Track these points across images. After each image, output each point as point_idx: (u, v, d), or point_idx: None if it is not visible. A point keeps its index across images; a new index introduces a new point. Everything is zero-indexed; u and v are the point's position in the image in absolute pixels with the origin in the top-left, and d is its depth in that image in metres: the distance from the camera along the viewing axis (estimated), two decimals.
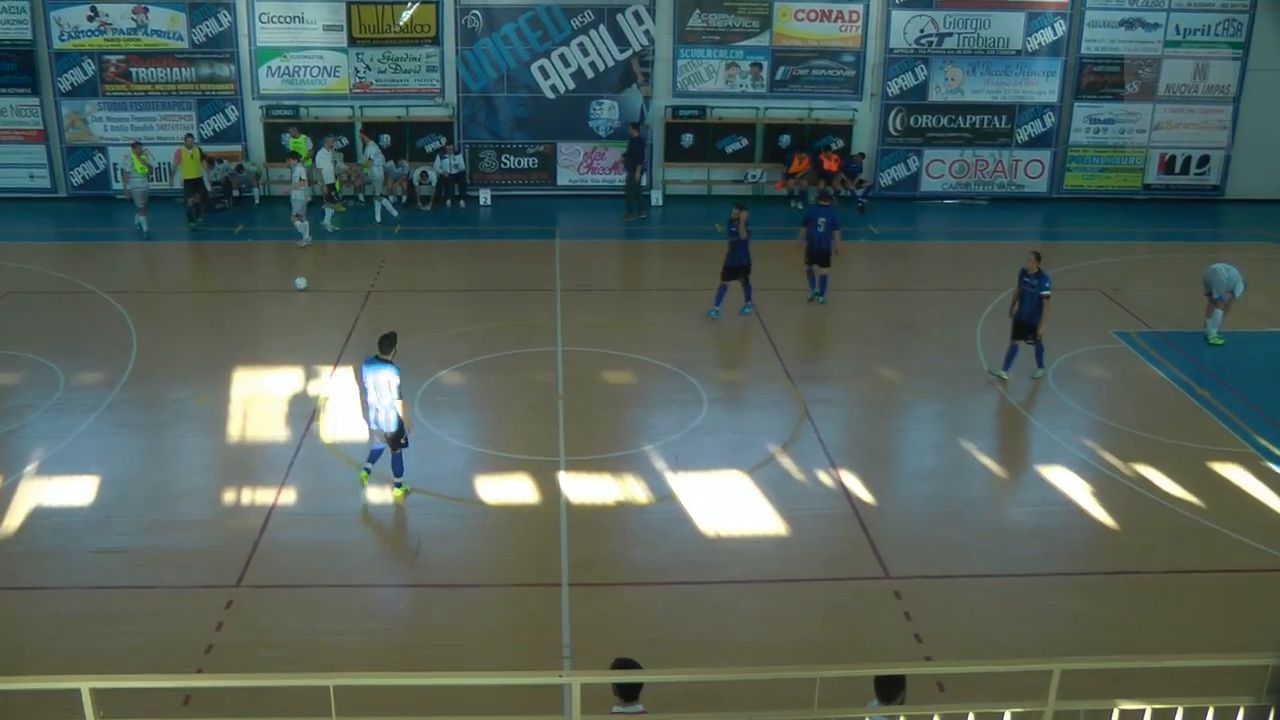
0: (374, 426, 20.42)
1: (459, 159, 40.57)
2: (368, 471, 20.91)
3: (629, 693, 11.91)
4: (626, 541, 19.62)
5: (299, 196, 34.97)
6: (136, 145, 36.95)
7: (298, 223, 35.27)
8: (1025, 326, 25.47)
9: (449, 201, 40.43)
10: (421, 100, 40.65)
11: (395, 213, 38.51)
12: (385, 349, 20.33)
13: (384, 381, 20.07)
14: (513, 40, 39.97)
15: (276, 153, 39.76)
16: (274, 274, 32.98)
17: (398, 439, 20.46)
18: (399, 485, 20.81)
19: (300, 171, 35.22)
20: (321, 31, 39.71)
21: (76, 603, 17.83)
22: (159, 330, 28.36)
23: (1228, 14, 40.44)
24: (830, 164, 40.01)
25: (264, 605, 17.80)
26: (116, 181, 39.41)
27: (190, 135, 38.56)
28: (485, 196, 40.37)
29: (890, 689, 12.05)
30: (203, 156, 38.16)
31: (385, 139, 40.12)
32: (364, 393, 20.41)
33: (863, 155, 40.99)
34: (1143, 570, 18.97)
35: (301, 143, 38.98)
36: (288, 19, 39.46)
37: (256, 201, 39.98)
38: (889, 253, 36.50)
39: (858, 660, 16.39)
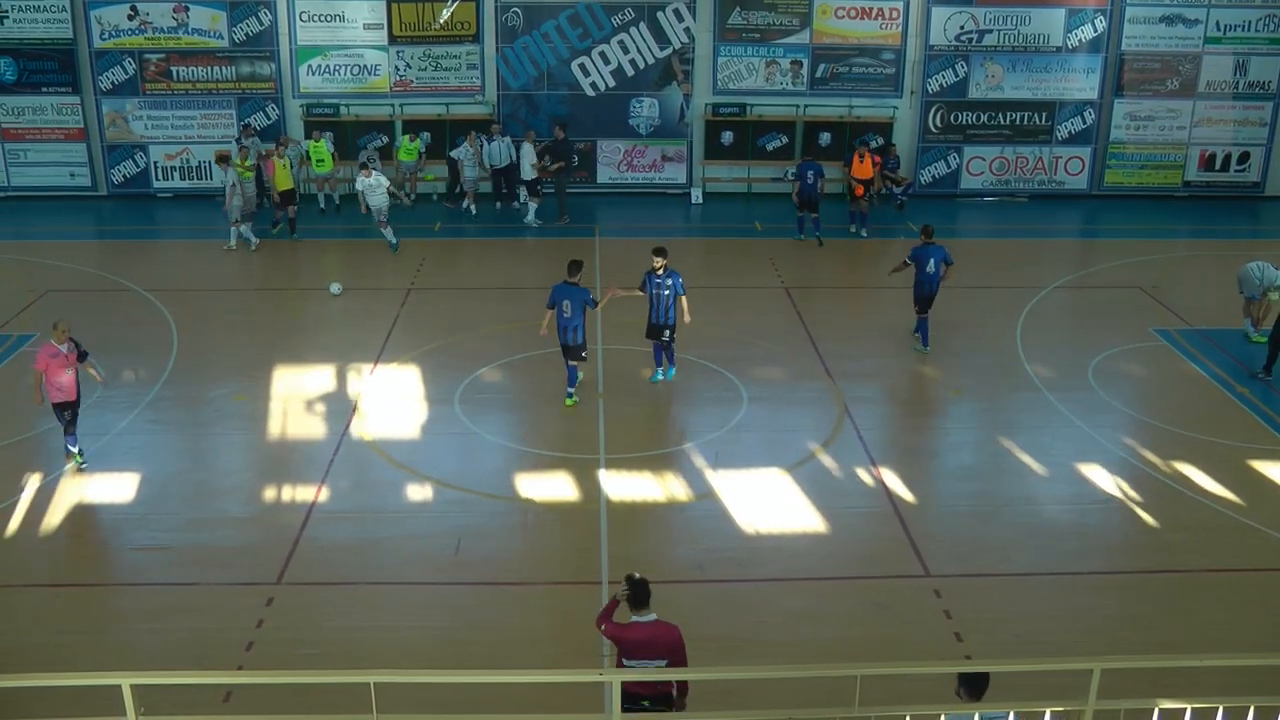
0: (564, 341, 23.99)
1: (506, 143, 39.31)
2: (571, 395, 24.39)
3: (640, 601, 13.27)
4: (666, 539, 19.63)
5: (236, 203, 34.36)
6: (242, 152, 36.23)
7: (238, 228, 34.76)
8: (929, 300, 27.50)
9: (500, 203, 39.80)
10: (462, 98, 40.71)
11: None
12: (573, 273, 23.94)
13: (576, 301, 23.66)
14: (553, 38, 40.00)
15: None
16: (314, 272, 33.02)
17: (579, 351, 24.21)
18: (570, 395, 24.41)
19: (233, 176, 34.35)
20: (362, 30, 39.78)
21: (116, 599, 17.97)
22: (199, 328, 28.50)
23: (1269, 10, 40.14)
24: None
25: (304, 602, 17.86)
26: (212, 178, 39.50)
27: (280, 144, 37.46)
28: (524, 193, 40.39)
29: (980, 686, 12.09)
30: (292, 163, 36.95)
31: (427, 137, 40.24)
32: (559, 313, 23.81)
33: (894, 145, 40.79)
34: (1183, 569, 18.89)
35: (323, 146, 38.55)
36: (328, 17, 39.55)
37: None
38: None
39: (898, 659, 16.40)
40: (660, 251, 24.72)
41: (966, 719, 12.08)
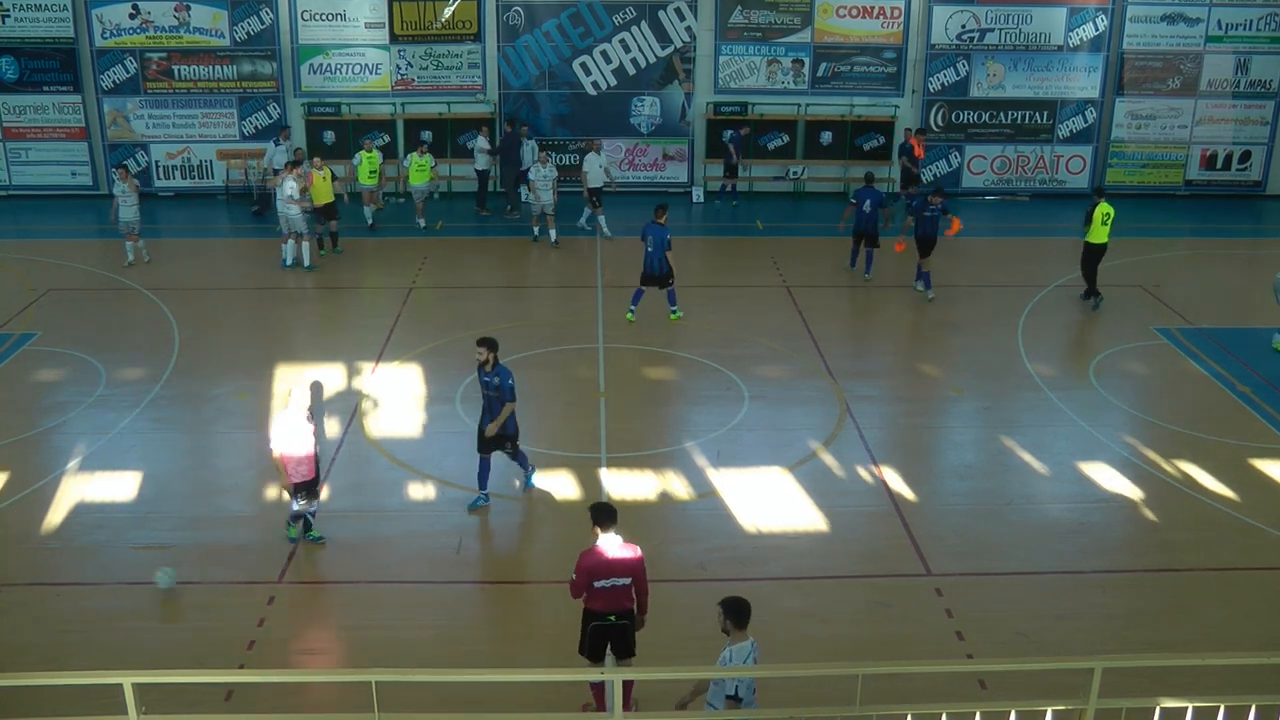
0: (647, 270, 28.61)
1: (533, 145, 38.22)
2: (631, 313, 28.84)
3: (604, 521, 14.60)
4: (668, 538, 19.57)
5: (128, 216, 32.77)
6: (289, 165, 33.48)
7: (128, 243, 33.21)
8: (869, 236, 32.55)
9: (510, 205, 38.74)
10: (463, 97, 40.71)
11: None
12: (659, 215, 28.59)
13: (658, 238, 28.21)
14: (554, 37, 40.01)
15: (320, 153, 38.71)
16: (316, 271, 32.92)
17: (666, 279, 28.48)
18: (674, 312, 28.90)
19: (124, 186, 32.82)
20: (363, 29, 39.82)
21: (118, 598, 17.91)
22: (201, 327, 28.49)
23: (1270, 8, 40.16)
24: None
25: (306, 601, 17.88)
26: (213, 177, 40.07)
27: (318, 157, 35.48)
28: (525, 193, 40.30)
29: (744, 612, 13.02)
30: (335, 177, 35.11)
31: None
32: (645, 248, 28.45)
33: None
34: (1184, 568, 18.87)
35: (375, 157, 37.11)
36: (329, 16, 39.57)
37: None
38: None
39: (900, 657, 16.39)
40: (485, 342, 19.60)
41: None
